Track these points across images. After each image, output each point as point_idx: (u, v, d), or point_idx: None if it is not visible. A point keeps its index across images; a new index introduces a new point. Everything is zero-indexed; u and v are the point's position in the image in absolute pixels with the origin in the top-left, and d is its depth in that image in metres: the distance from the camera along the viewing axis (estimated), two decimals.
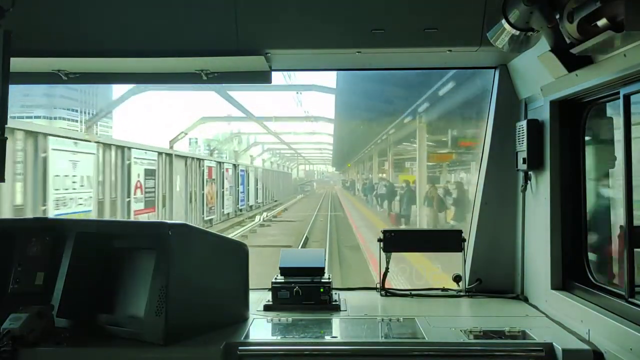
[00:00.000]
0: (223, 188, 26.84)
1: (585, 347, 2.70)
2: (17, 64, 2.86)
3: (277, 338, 2.95)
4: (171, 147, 20.92)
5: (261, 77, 3.60)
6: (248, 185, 33.81)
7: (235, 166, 29.97)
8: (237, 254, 3.23)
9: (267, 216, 32.89)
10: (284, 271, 3.57)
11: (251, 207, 34.93)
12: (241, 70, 3.55)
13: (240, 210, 31.26)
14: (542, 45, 2.72)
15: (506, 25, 2.48)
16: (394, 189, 28.55)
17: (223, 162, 27.54)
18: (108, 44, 3.22)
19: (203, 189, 23.60)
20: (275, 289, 3.47)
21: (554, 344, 2.72)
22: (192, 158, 22.91)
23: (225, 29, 3.18)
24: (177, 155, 21.07)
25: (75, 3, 3.18)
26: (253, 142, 40.35)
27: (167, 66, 3.45)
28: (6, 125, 2.65)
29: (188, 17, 3.19)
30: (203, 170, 23.75)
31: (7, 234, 3.24)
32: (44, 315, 2.81)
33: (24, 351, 2.65)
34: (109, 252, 3.10)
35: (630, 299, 2.62)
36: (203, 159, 24.25)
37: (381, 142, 32.52)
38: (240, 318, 3.17)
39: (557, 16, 2.32)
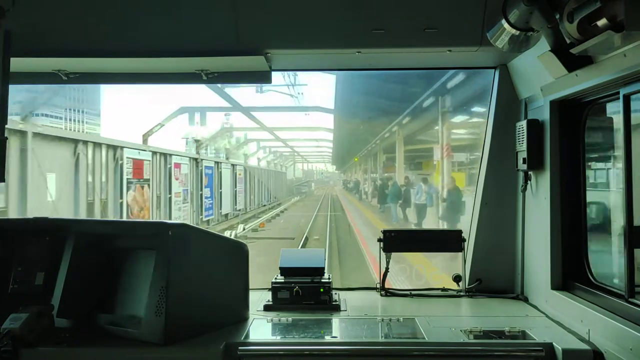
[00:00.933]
0: (170, 193, 18.14)
1: (585, 347, 2.70)
2: (17, 64, 2.87)
3: (277, 338, 2.95)
4: (25, 119, 11.66)
5: (261, 77, 3.60)
6: (220, 188, 25.01)
7: (196, 161, 21.44)
8: (237, 254, 3.23)
9: (244, 230, 23.94)
10: (284, 271, 3.57)
11: (226, 216, 26.40)
12: (241, 70, 3.56)
13: (207, 222, 23.07)
14: (542, 45, 2.72)
15: (506, 25, 2.49)
16: (460, 197, 16.15)
17: (170, 155, 18.51)
18: (108, 44, 3.22)
19: (122, 196, 14.66)
20: (275, 289, 3.47)
21: (554, 344, 2.72)
22: (94, 144, 13.73)
23: (225, 29, 3.19)
24: (45, 136, 11.82)
25: (75, 3, 3.18)
26: (228, 126, 32.55)
27: (167, 66, 3.45)
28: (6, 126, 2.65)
29: (188, 17, 3.19)
30: (121, 165, 14.76)
31: (7, 234, 3.24)
32: (44, 315, 2.81)
33: (24, 351, 2.65)
34: (109, 252, 3.10)
35: (630, 299, 2.62)
36: (121, 147, 14.91)
37: (421, 111, 20.67)
38: (240, 318, 3.17)
39: (557, 16, 2.32)
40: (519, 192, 3.73)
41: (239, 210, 28.86)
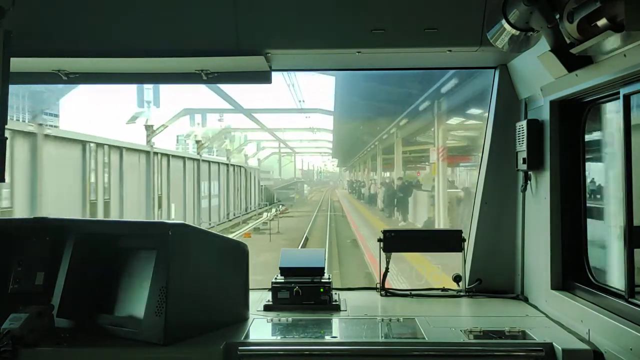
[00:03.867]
0: None
1: (585, 347, 2.70)
2: (17, 64, 2.86)
3: (277, 338, 2.95)
4: None
5: (261, 77, 3.61)
6: None
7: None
8: (237, 253, 3.23)
9: None
10: (284, 271, 3.57)
11: None
12: (241, 70, 3.56)
13: None
14: (542, 45, 2.72)
15: (506, 25, 2.49)
16: None
17: None
18: (108, 44, 3.23)
19: None
20: (275, 289, 3.47)
21: (554, 344, 2.72)
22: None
23: (225, 29, 3.19)
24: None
25: (75, 3, 3.18)
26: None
27: (167, 66, 3.46)
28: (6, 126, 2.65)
29: (188, 17, 3.20)
30: None
31: (7, 234, 3.25)
32: (44, 315, 2.81)
33: (24, 351, 2.65)
34: (109, 252, 3.10)
35: (630, 299, 2.62)
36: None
37: None
38: (240, 318, 3.17)
39: (557, 16, 2.33)
40: (519, 192, 3.73)
41: None
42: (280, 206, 42.51)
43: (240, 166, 36.60)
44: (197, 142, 24.96)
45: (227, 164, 32.37)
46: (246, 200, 37.32)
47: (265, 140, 41.71)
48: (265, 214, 34.87)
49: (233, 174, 33.43)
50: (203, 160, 26.40)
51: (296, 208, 43.51)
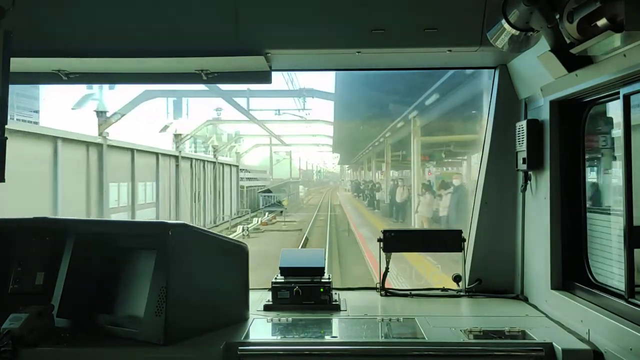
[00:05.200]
0: None
1: (585, 347, 2.70)
2: (17, 64, 2.87)
3: (277, 338, 2.96)
4: None
5: (261, 77, 3.61)
6: None
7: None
8: (237, 254, 3.23)
9: None
10: (284, 271, 3.57)
11: None
12: (241, 70, 3.56)
13: None
14: (542, 45, 2.72)
15: (506, 25, 2.49)
16: None
17: None
18: (108, 44, 3.23)
19: None
20: (275, 288, 3.47)
21: (554, 344, 2.72)
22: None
23: (225, 29, 3.19)
24: None
25: (75, 3, 3.18)
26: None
27: (167, 66, 3.46)
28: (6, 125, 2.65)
29: (188, 18, 3.20)
30: None
31: (7, 234, 3.24)
32: (44, 315, 2.81)
33: (24, 351, 2.65)
34: (109, 252, 3.10)
35: (630, 299, 2.62)
36: None
37: None
38: (240, 318, 3.17)
39: (557, 16, 2.33)
40: (519, 192, 3.73)
41: None
42: (267, 214, 34.95)
43: (203, 160, 27.34)
44: (99, 113, 15.73)
45: (176, 156, 22.81)
46: (215, 208, 27.36)
47: (240, 121, 30.58)
48: (239, 228, 24.71)
49: (191, 170, 24.11)
50: (112, 147, 15.79)
51: (285, 217, 34.74)
